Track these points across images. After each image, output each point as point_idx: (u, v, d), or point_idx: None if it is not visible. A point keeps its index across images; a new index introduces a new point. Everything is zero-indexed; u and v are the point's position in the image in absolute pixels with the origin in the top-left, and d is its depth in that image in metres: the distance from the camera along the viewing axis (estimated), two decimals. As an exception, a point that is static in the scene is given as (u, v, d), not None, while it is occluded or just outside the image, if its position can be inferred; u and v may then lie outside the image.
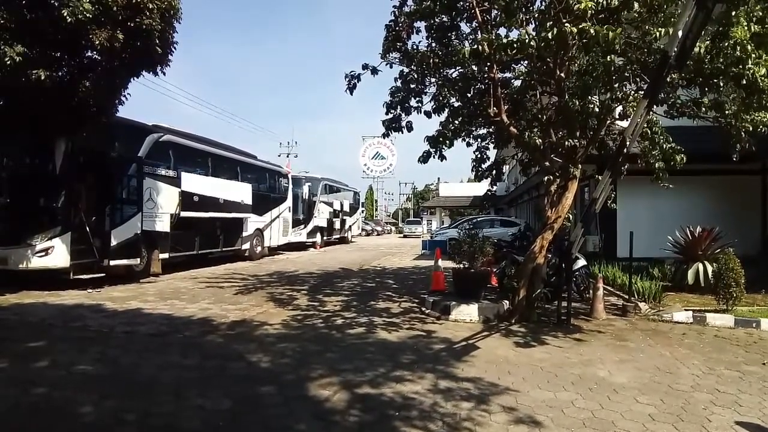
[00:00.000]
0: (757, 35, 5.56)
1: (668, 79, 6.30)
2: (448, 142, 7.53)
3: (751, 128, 6.73)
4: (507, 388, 4.30)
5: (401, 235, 46.43)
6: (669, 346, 5.85)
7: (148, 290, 9.51)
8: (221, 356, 5.19)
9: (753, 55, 5.55)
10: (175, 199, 11.84)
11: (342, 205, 27.84)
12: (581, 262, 8.69)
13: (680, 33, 4.76)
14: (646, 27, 6.36)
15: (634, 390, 4.32)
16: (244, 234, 16.01)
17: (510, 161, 11.96)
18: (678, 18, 5.02)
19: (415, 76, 7.85)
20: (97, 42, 7.58)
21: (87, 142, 9.57)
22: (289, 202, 19.80)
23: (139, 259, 10.62)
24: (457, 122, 7.89)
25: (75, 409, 3.71)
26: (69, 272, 9.18)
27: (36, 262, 8.79)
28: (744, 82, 5.74)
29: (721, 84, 6.34)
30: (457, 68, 7.78)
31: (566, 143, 7.33)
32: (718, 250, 8.82)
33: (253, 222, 16.47)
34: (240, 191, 15.54)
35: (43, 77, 7.46)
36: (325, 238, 25.09)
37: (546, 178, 7.76)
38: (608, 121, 7.75)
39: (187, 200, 12.38)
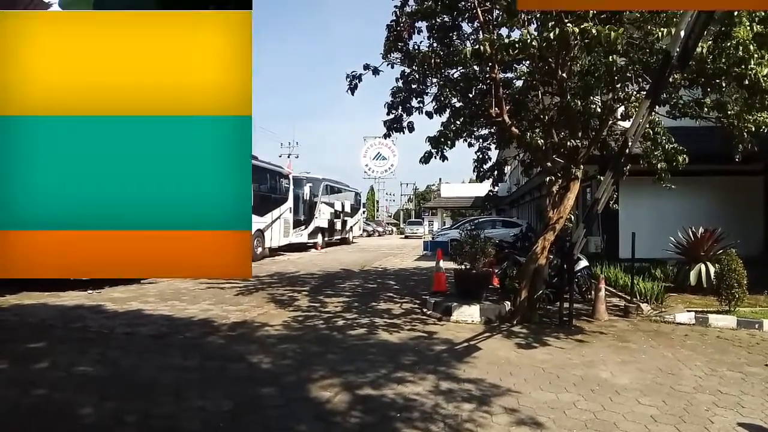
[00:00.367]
0: (759, 35, 5.53)
1: (670, 80, 6.27)
2: (449, 142, 7.50)
3: (753, 129, 6.70)
4: (509, 389, 4.29)
5: (402, 236, 46.30)
6: (671, 348, 5.83)
7: (149, 291, 9.49)
8: (222, 357, 5.17)
9: (755, 56, 5.52)
10: None
11: (343, 206, 27.77)
12: (583, 263, 8.67)
13: (682, 33, 4.75)
14: (648, 27, 6.36)
15: (636, 391, 4.30)
16: (245, 235, 15.99)
17: (512, 162, 11.95)
18: (680, 18, 5.00)
19: (417, 76, 7.84)
20: None
21: None
22: (290, 202, 19.74)
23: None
24: (458, 122, 7.86)
25: (75, 410, 3.71)
26: None
27: None
28: (746, 82, 5.72)
29: (724, 84, 6.31)
30: (459, 68, 7.78)
31: (568, 144, 7.32)
32: (721, 251, 8.78)
33: (253, 223, 16.46)
34: (241, 192, 15.52)
35: None
36: (326, 238, 25.02)
37: (548, 178, 7.75)
38: (610, 122, 7.74)
39: None
